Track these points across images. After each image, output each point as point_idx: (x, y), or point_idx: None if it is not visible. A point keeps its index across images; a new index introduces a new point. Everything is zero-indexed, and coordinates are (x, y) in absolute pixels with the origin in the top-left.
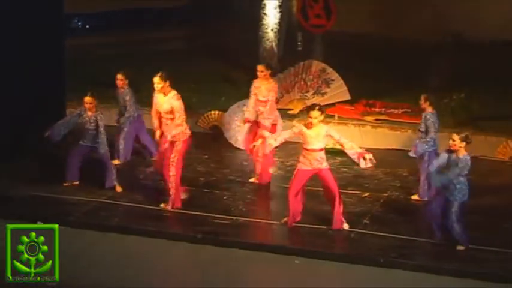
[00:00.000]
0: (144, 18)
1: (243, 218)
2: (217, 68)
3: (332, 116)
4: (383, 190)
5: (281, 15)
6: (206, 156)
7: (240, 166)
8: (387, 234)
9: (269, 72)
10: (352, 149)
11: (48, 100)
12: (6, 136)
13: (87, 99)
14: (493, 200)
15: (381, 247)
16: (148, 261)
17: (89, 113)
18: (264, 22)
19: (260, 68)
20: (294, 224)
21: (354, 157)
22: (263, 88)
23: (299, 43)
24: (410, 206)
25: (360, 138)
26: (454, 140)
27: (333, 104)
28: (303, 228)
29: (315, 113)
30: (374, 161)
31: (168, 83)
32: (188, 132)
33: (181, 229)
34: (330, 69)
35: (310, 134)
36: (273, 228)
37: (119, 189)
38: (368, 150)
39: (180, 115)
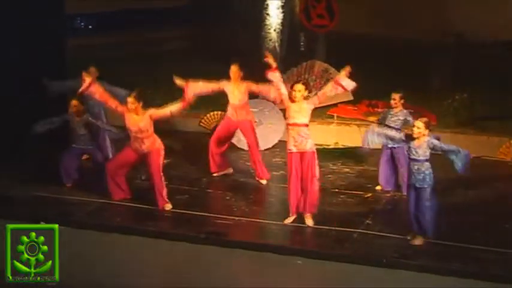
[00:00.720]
0: (145, 18)
1: (245, 218)
2: (219, 68)
3: (332, 116)
4: (385, 190)
5: (284, 16)
6: None
7: (242, 166)
8: (389, 235)
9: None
10: (328, 87)
11: (49, 100)
12: (7, 136)
13: (74, 102)
14: (494, 200)
15: (383, 247)
16: (151, 262)
17: (77, 118)
18: (267, 22)
19: (234, 68)
20: (297, 225)
21: (336, 87)
22: (237, 92)
23: (302, 43)
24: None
25: (360, 139)
26: (419, 128)
27: (335, 105)
28: (305, 228)
29: (299, 86)
30: (349, 69)
31: (141, 103)
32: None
33: (184, 229)
34: (332, 70)
35: (293, 107)
36: (276, 229)
37: None
38: (370, 150)
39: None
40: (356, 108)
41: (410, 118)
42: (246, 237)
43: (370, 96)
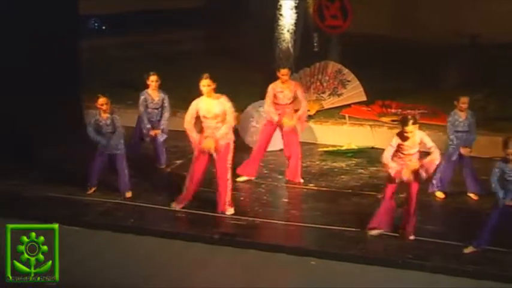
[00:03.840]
0: (161, 19)
1: (259, 219)
2: (233, 68)
3: (344, 117)
4: (399, 191)
5: (297, 16)
6: None
7: None
8: None
9: (290, 75)
10: None
11: (64, 102)
12: (21, 137)
13: (101, 100)
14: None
15: (397, 248)
16: (164, 262)
17: (104, 115)
18: (280, 23)
19: (283, 72)
20: (311, 225)
21: None
22: (287, 92)
23: (315, 44)
24: (427, 207)
25: (374, 139)
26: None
27: (349, 105)
28: (318, 229)
29: (410, 128)
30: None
31: (215, 85)
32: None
33: (198, 230)
34: (346, 70)
35: (407, 143)
36: (289, 229)
37: (128, 194)
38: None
39: (232, 117)
40: (370, 108)
41: (473, 120)
42: (260, 238)
43: (384, 96)
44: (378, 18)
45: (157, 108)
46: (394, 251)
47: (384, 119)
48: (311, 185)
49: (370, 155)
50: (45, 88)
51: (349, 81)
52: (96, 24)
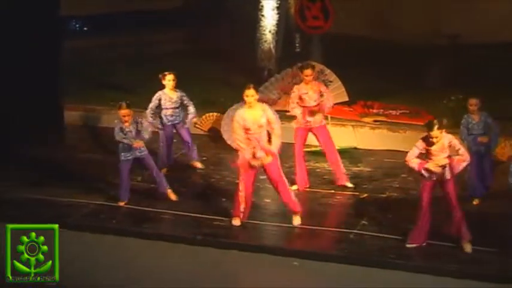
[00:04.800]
0: (142, 20)
1: (242, 220)
2: (215, 69)
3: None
4: (381, 191)
5: (279, 17)
6: (204, 158)
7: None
8: (386, 235)
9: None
10: None
11: (45, 103)
12: (2, 139)
13: (123, 112)
14: (490, 201)
15: (379, 248)
16: (147, 264)
17: (127, 124)
18: (262, 24)
19: (307, 72)
20: (293, 226)
21: None
22: (311, 93)
23: (297, 44)
24: (409, 207)
25: (356, 140)
26: None
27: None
28: (301, 229)
29: (435, 133)
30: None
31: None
32: None
33: (180, 231)
34: (328, 71)
35: (434, 148)
36: (272, 230)
37: (173, 197)
38: (366, 151)
39: (278, 125)
40: (352, 109)
41: (489, 120)
42: (244, 239)
43: (366, 97)
44: (360, 19)
45: (177, 107)
46: (375, 251)
47: (366, 119)
48: (294, 185)
49: (353, 155)
50: (25, 89)
51: (331, 81)
52: (77, 26)
